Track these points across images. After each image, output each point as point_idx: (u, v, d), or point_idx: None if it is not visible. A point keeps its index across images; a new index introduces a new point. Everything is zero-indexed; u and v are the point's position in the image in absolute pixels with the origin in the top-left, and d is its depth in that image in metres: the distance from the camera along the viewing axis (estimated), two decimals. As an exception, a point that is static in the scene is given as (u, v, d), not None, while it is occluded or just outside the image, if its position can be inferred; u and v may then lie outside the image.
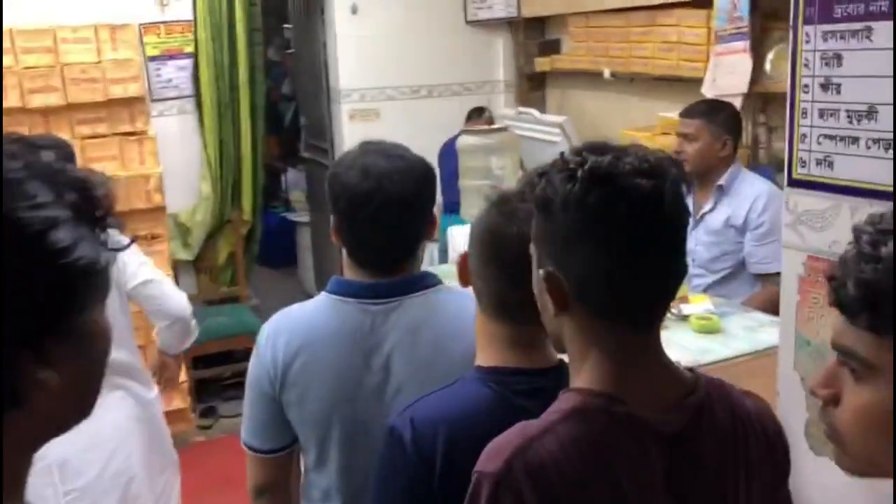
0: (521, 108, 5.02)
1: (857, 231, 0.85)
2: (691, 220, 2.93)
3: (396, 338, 1.51)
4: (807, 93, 1.08)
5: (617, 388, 1.00)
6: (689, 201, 2.93)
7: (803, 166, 1.12)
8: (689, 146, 2.81)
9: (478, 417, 1.22)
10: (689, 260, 2.85)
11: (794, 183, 1.14)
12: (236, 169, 4.80)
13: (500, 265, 1.28)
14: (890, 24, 0.97)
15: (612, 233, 0.97)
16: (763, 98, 3.51)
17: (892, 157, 1.01)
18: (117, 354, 1.59)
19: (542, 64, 5.11)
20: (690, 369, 1.08)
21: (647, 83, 4.28)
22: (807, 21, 1.06)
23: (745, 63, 3.33)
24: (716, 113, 2.83)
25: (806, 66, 1.07)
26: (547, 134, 4.68)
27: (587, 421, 0.99)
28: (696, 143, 2.81)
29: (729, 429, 1.04)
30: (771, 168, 3.48)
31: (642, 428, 0.99)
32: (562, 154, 1.04)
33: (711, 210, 2.97)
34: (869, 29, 1.00)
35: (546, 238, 1.03)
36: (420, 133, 5.09)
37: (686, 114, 2.85)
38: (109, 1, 4.33)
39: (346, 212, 1.53)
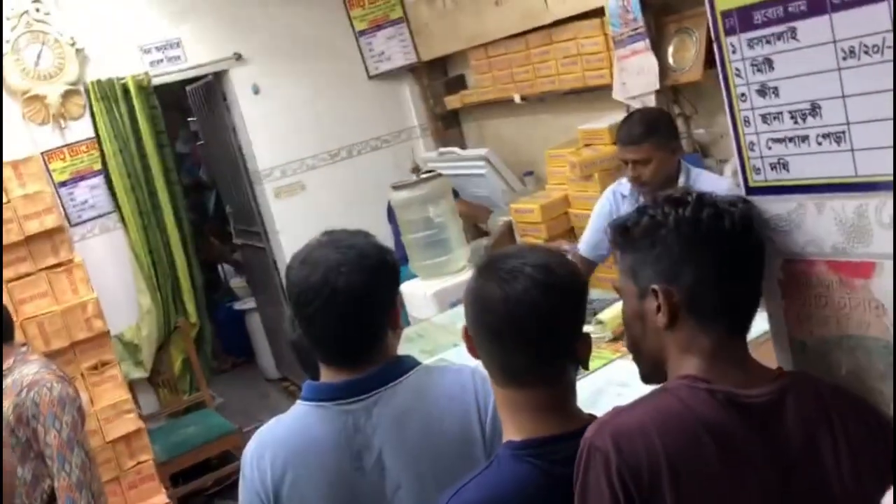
0: (442, 149, 5.03)
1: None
2: None
3: (383, 433, 1.44)
4: (745, 101, 1.08)
5: (704, 374, 1.13)
6: None
7: (758, 173, 1.11)
8: (645, 169, 2.72)
9: (524, 497, 1.17)
10: None
11: (753, 191, 1.14)
12: (172, 274, 4.68)
13: (489, 329, 1.25)
14: (814, 20, 0.97)
15: (720, 246, 1.12)
16: (673, 90, 3.58)
17: (844, 149, 1.01)
18: None
19: (452, 102, 5.15)
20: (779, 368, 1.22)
21: (557, 99, 4.34)
22: (728, 32, 1.06)
23: (650, 61, 3.40)
24: (655, 127, 2.74)
25: (738, 75, 1.07)
26: (473, 168, 4.70)
27: (671, 394, 1.12)
28: (650, 164, 2.71)
29: (814, 405, 1.12)
30: (696, 156, 3.54)
31: (725, 398, 1.10)
32: (645, 205, 1.22)
33: None
34: (793, 29, 1.00)
35: (652, 261, 1.17)
36: (350, 194, 5.09)
37: (628, 141, 2.74)
38: (6, 137, 4.20)
39: (298, 307, 1.47)
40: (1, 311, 2.65)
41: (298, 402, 1.51)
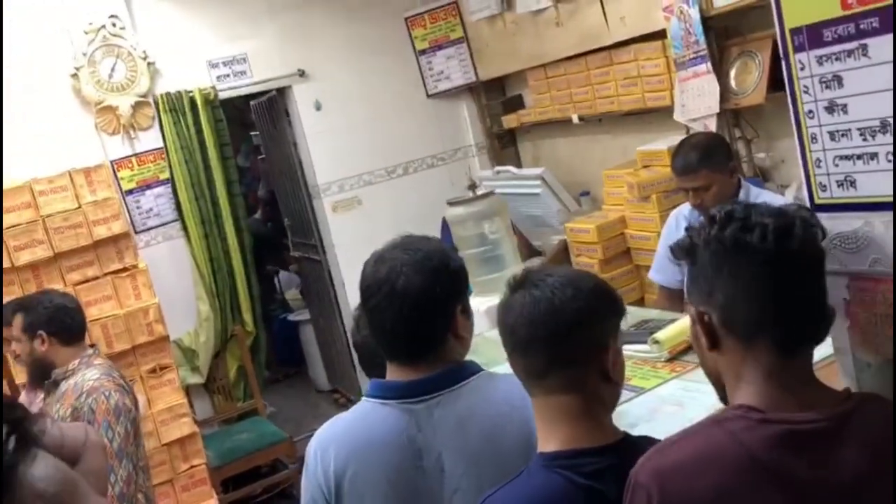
0: (498, 168, 5.06)
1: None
2: None
3: (444, 435, 1.47)
4: (812, 118, 1.07)
5: (758, 403, 1.08)
6: None
7: (824, 190, 1.11)
8: (706, 195, 2.67)
9: None
10: None
11: (819, 208, 1.13)
12: (231, 283, 4.78)
13: (506, 337, 1.30)
14: (885, 37, 0.97)
15: (749, 259, 1.08)
16: (733, 113, 3.55)
17: (915, 166, 1.00)
18: None
19: (510, 121, 5.18)
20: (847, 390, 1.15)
21: (616, 120, 4.34)
22: (797, 49, 1.07)
23: (711, 84, 3.38)
24: (708, 152, 2.70)
25: (806, 92, 1.07)
26: (528, 187, 4.71)
27: (721, 427, 1.07)
28: (710, 189, 2.67)
29: (882, 429, 1.08)
30: (757, 180, 3.50)
31: (782, 430, 1.05)
32: (689, 226, 1.20)
33: None
34: (864, 46, 1.00)
35: (693, 282, 1.15)
36: (405, 211, 5.15)
37: (684, 171, 2.70)
38: (79, 145, 4.38)
39: (363, 300, 1.55)
40: (78, 312, 2.76)
41: (363, 398, 1.54)
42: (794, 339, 1.10)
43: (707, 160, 2.67)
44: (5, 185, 3.92)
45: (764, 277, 1.08)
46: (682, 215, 2.96)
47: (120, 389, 2.66)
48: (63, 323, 2.75)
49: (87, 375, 2.69)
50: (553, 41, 4.42)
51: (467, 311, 1.56)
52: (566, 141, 4.90)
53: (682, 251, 1.17)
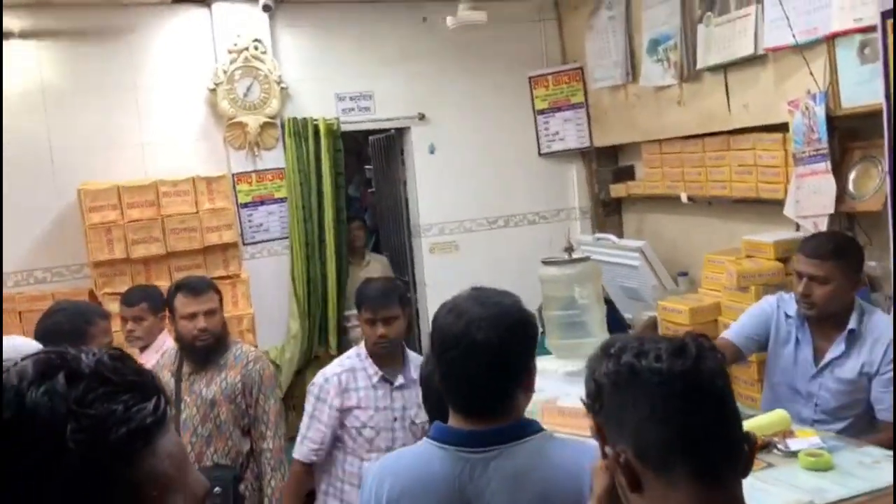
0: (599, 234, 5.05)
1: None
2: (814, 367, 2.74)
3: (495, 488, 1.50)
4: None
5: None
6: (808, 346, 2.77)
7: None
8: (819, 289, 2.61)
9: None
10: (812, 405, 2.70)
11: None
12: (323, 306, 4.93)
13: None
14: None
15: (644, 386, 1.07)
16: (847, 217, 3.46)
17: None
18: None
19: (618, 190, 5.19)
20: None
21: (725, 206, 4.28)
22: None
23: (829, 184, 3.31)
24: (846, 253, 2.62)
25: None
26: (626, 258, 4.69)
27: None
28: (827, 285, 2.60)
29: None
30: (865, 289, 3.38)
31: None
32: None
33: (842, 356, 2.69)
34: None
35: (607, 423, 1.14)
36: (500, 262, 5.20)
37: (814, 254, 2.62)
38: (206, 155, 4.66)
39: (437, 352, 1.58)
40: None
41: (425, 439, 1.59)
42: (709, 466, 1.06)
43: (840, 255, 2.60)
44: (135, 181, 4.21)
45: (664, 399, 1.07)
46: (784, 311, 2.88)
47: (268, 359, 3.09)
48: None
49: (243, 348, 3.05)
50: (672, 118, 4.43)
51: (535, 367, 1.60)
52: (672, 218, 4.86)
53: (589, 396, 1.16)
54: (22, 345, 2.12)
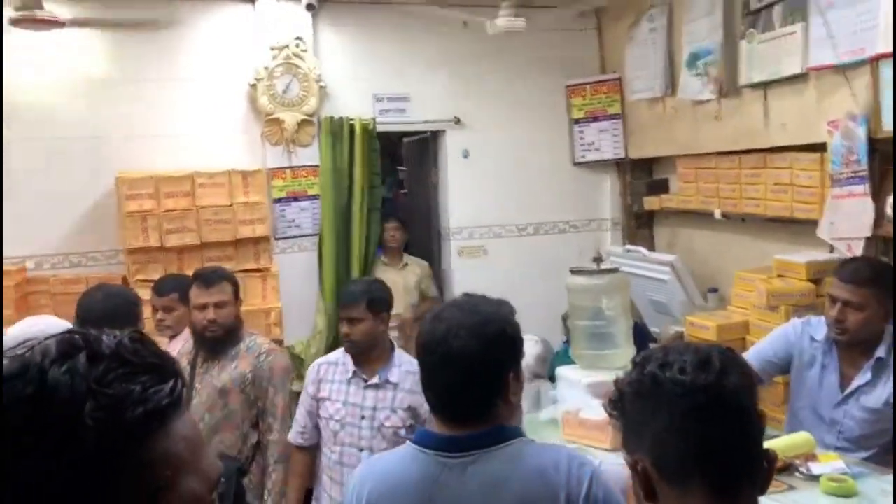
0: (630, 246, 5.03)
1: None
2: (839, 393, 2.72)
3: (471, 493, 1.50)
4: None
5: None
6: (834, 372, 2.75)
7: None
8: (853, 315, 2.59)
9: None
10: (835, 432, 2.67)
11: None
12: (349, 303, 4.96)
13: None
14: None
15: (666, 397, 1.07)
16: (884, 241, 3.41)
17: None
18: None
19: (651, 203, 5.16)
20: None
21: (759, 224, 4.24)
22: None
23: (866, 206, 3.27)
24: (884, 281, 2.59)
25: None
26: (656, 272, 4.66)
27: None
28: (861, 312, 2.58)
29: None
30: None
31: None
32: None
33: (868, 385, 2.68)
34: None
35: (627, 432, 1.14)
36: (527, 269, 5.20)
37: (851, 280, 2.60)
38: (243, 149, 4.72)
39: (419, 360, 1.61)
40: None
41: (408, 442, 1.62)
42: (725, 481, 1.06)
43: (877, 283, 2.58)
44: (173, 171, 4.28)
45: (684, 411, 1.07)
46: (810, 334, 2.85)
47: (285, 352, 3.05)
48: None
49: (257, 340, 3.07)
50: (709, 133, 4.40)
51: (519, 377, 1.59)
52: (704, 234, 4.82)
53: (612, 405, 1.17)
54: (51, 325, 2.17)
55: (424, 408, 2.64)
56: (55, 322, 2.28)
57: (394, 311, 3.01)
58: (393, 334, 4.19)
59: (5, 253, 4.28)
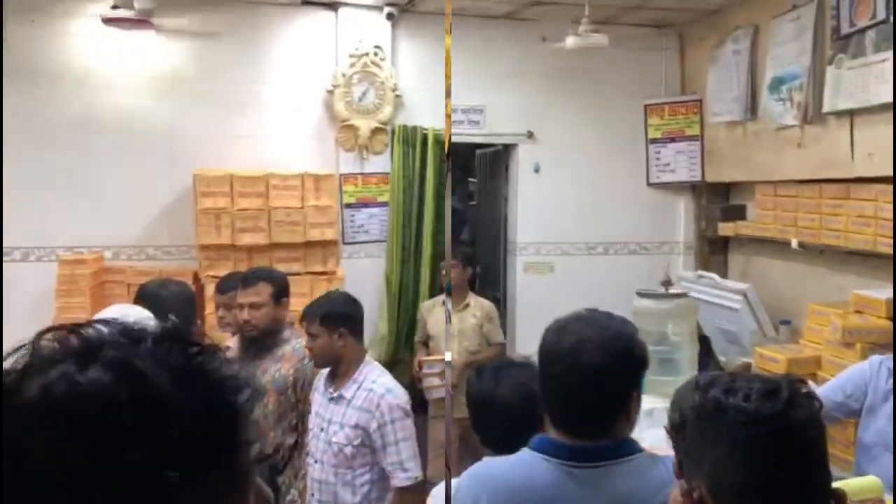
0: (702, 272, 4.90)
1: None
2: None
3: (606, 502, 1.47)
4: None
5: None
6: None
7: None
8: None
9: None
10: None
11: None
12: (412, 310, 4.97)
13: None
14: None
15: (728, 424, 1.03)
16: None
17: None
18: None
19: (726, 229, 5.02)
20: None
21: (838, 256, 4.08)
22: None
23: (953, 245, 3.11)
24: None
25: None
26: (728, 300, 4.53)
27: None
28: None
29: None
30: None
31: None
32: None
33: None
34: None
35: (686, 456, 1.10)
36: (594, 289, 5.09)
37: None
38: (316, 153, 4.80)
39: (542, 369, 1.58)
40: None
41: (525, 449, 1.56)
42: None
43: None
44: (248, 171, 4.38)
45: (746, 440, 1.03)
46: (888, 366, 2.72)
47: None
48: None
49: (302, 343, 3.02)
50: (791, 160, 4.26)
51: (639, 395, 1.56)
52: (780, 264, 4.67)
53: (674, 428, 1.13)
54: (135, 314, 2.23)
55: (377, 432, 2.61)
56: (138, 312, 2.34)
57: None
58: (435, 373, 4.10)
59: (85, 241, 4.45)
